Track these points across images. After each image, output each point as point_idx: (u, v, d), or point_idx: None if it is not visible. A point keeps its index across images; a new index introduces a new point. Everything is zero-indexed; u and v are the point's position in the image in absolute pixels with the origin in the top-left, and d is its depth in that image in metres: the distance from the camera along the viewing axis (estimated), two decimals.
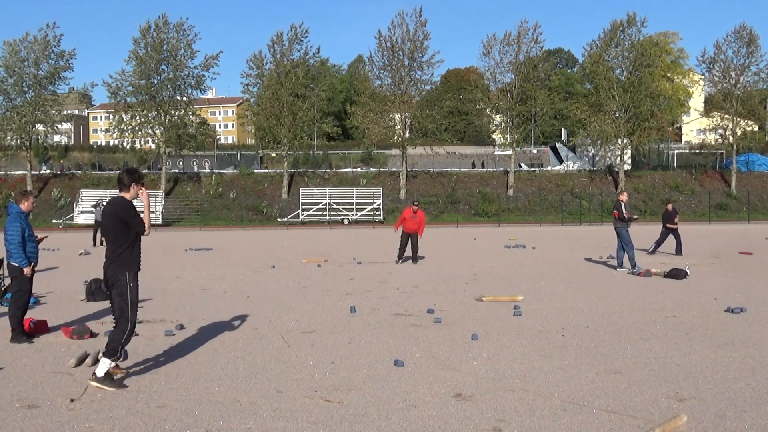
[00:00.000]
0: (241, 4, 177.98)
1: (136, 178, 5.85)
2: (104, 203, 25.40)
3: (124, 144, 46.91)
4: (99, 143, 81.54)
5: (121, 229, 5.73)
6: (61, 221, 38.82)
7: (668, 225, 18.06)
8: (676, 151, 56.34)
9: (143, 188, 5.93)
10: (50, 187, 44.66)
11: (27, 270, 7.54)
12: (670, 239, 18.27)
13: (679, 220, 18.65)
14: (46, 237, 8.83)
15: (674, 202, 43.77)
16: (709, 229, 31.54)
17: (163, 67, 43.47)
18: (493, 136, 60.35)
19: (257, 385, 5.63)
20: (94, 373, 5.51)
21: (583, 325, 8.13)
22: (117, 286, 5.70)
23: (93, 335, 7.60)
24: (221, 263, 16.65)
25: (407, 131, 45.35)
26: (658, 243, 18.14)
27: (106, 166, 56.34)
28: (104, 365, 5.51)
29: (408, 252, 16.39)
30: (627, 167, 47.43)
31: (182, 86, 44.29)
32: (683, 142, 66.22)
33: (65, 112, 49.74)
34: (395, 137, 45.30)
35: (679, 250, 17.70)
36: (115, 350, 5.59)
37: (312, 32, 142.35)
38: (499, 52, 45.71)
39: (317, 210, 42.06)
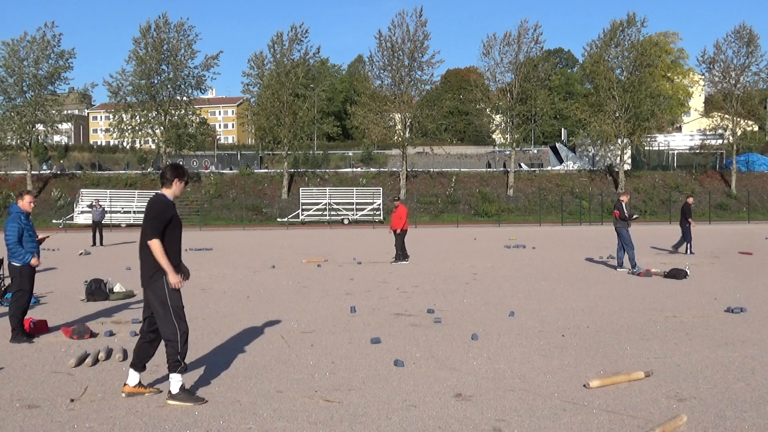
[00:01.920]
0: (241, 4, 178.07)
1: (179, 174, 5.35)
2: (99, 203, 25.47)
3: (124, 144, 46.96)
4: (99, 143, 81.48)
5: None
6: (61, 221, 38.82)
7: (689, 218, 18.09)
8: (676, 151, 56.36)
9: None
10: (50, 187, 44.67)
11: (34, 260, 7.58)
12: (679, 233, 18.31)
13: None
14: (47, 237, 8.80)
15: (674, 201, 43.82)
16: (709, 229, 31.54)
17: (164, 67, 43.53)
18: (493, 136, 60.36)
19: (257, 385, 5.63)
20: (169, 391, 5.14)
21: (583, 325, 8.13)
22: (154, 290, 5.18)
23: (93, 335, 7.60)
24: (221, 263, 16.64)
25: (407, 131, 45.38)
26: (689, 239, 18.10)
27: (106, 166, 56.34)
28: (175, 381, 5.12)
29: (406, 250, 16.51)
30: (627, 167, 47.44)
31: (182, 86, 44.38)
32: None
33: (65, 112, 49.75)
34: (395, 137, 45.31)
35: (678, 247, 17.79)
36: (176, 362, 5.11)
37: (312, 32, 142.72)
38: (499, 52, 45.84)
39: (317, 210, 42.06)
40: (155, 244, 5.11)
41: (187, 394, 5.15)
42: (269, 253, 19.54)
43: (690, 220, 18.16)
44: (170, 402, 5.09)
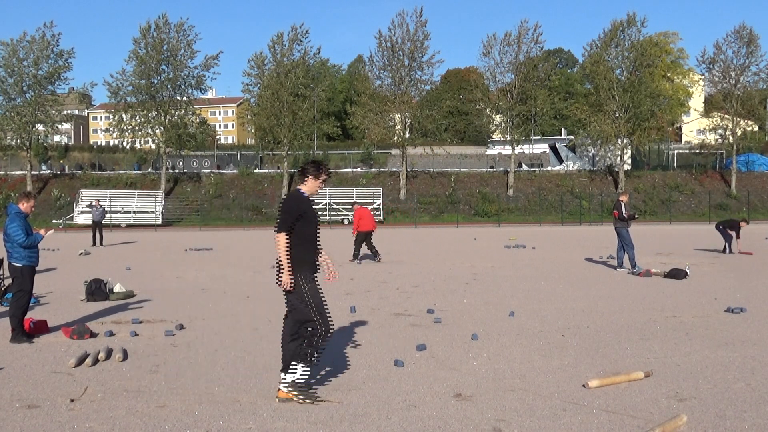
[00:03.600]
0: (241, 4, 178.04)
1: (320, 170, 5.33)
2: (100, 203, 25.43)
3: (124, 144, 46.97)
4: (99, 143, 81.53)
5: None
6: (61, 221, 38.79)
7: (730, 230, 17.91)
8: (676, 151, 56.33)
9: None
10: (50, 187, 44.65)
11: (43, 230, 7.75)
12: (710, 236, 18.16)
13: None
14: (52, 231, 8.63)
15: (674, 201, 43.83)
16: (709, 229, 31.46)
17: (164, 67, 43.51)
18: (493, 136, 60.33)
19: (257, 385, 5.62)
20: (285, 378, 5.07)
21: (583, 325, 8.13)
22: (294, 290, 5.18)
23: (93, 335, 7.60)
24: (221, 263, 16.64)
25: (407, 131, 45.37)
26: (728, 240, 18.04)
27: (106, 166, 56.32)
28: (297, 371, 5.06)
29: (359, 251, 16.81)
30: (627, 167, 47.44)
31: (182, 86, 44.35)
32: (683, 142, 66.23)
33: (65, 112, 49.69)
34: (395, 137, 45.31)
35: (731, 249, 17.87)
36: (305, 354, 5.08)
37: (312, 32, 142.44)
38: (499, 52, 45.82)
39: (317, 210, 41.97)
40: (280, 238, 5.13)
41: (299, 389, 5.08)
42: (269, 253, 19.54)
43: (731, 232, 17.85)
44: (283, 393, 5.07)
